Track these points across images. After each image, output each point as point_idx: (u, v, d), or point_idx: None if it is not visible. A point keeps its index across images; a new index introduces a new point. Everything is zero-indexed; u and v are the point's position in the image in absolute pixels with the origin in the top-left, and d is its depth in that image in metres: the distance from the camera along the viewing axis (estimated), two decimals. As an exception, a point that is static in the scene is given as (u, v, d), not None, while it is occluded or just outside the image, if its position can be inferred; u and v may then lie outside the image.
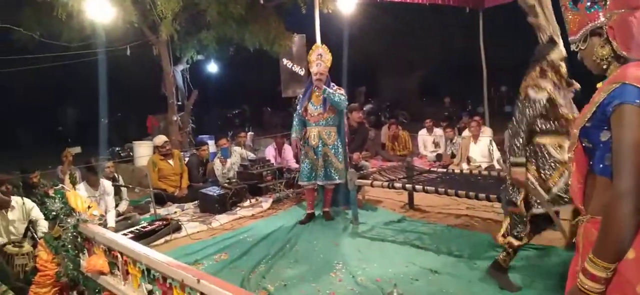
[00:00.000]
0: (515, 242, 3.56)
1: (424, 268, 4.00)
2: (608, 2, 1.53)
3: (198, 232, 5.41)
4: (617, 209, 1.40)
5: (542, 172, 3.44)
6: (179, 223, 5.50)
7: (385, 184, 5.10)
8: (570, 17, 1.66)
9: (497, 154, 7.53)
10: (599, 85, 3.67)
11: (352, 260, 4.26)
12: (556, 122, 3.42)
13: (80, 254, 3.00)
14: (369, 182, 5.26)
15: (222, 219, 5.79)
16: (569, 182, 3.34)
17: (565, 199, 3.42)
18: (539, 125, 3.42)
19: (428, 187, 4.72)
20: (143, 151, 8.43)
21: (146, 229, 5.19)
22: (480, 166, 7.34)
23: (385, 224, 5.26)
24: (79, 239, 2.98)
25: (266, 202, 6.37)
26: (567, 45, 1.94)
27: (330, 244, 4.75)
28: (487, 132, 7.97)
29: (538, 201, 3.45)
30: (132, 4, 7.45)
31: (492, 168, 7.04)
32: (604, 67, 1.58)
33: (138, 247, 2.38)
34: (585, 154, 1.59)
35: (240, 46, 9.58)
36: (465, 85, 14.36)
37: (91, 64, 9.37)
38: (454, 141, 8.42)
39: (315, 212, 5.60)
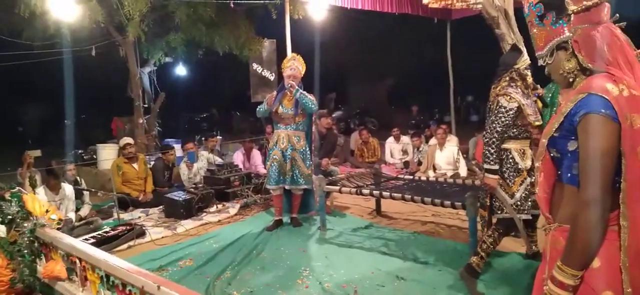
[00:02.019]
0: (488, 246, 3.65)
1: (390, 274, 4.02)
2: (572, 18, 1.58)
3: (162, 237, 5.30)
4: (584, 217, 1.44)
5: (507, 177, 3.55)
6: (143, 228, 5.36)
7: (353, 190, 5.12)
8: (536, 32, 1.70)
9: (462, 162, 7.66)
10: (541, 90, 3.78)
11: (319, 267, 4.25)
12: (521, 129, 3.54)
13: (37, 260, 2.89)
14: (337, 188, 5.27)
15: (187, 224, 5.68)
16: (530, 190, 3.48)
17: (526, 207, 3.53)
18: (508, 130, 3.54)
19: (395, 194, 4.76)
20: (107, 154, 8.21)
21: (109, 234, 5.05)
22: (446, 174, 7.46)
23: (352, 230, 5.27)
24: (36, 244, 2.87)
25: (233, 208, 6.28)
26: (532, 56, 1.99)
27: (297, 251, 4.73)
28: (453, 141, 8.11)
29: (503, 206, 3.56)
30: (99, 4, 7.27)
31: (458, 176, 7.16)
32: (571, 79, 1.63)
33: (97, 253, 2.31)
34: (553, 163, 1.63)
35: (210, 49, 9.47)
36: (432, 94, 14.61)
37: (55, 63, 9.09)
38: (420, 149, 8.54)
39: (283, 219, 5.56)
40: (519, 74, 3.57)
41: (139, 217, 6.05)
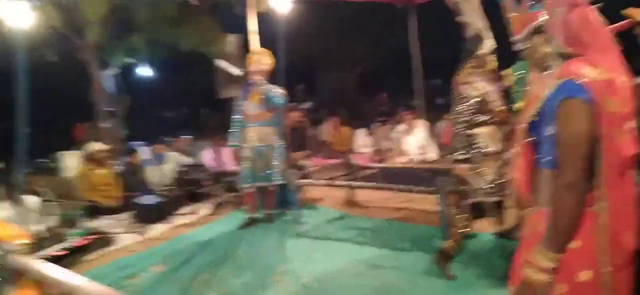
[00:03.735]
0: (461, 230, 3.70)
1: (368, 263, 4.04)
2: (548, 2, 1.58)
3: (133, 243, 5.18)
4: (563, 200, 1.45)
5: (476, 161, 3.60)
6: (113, 235, 5.24)
7: (327, 182, 5.11)
8: (513, 17, 1.70)
9: (431, 146, 7.73)
10: (506, 71, 3.86)
11: (296, 262, 4.23)
12: (488, 115, 3.56)
13: (7, 288, 2.76)
14: (310, 181, 5.25)
15: (158, 228, 5.57)
16: (501, 172, 3.54)
17: (497, 189, 3.58)
18: (474, 118, 3.56)
19: (368, 184, 4.77)
20: (72, 161, 7.96)
21: (77, 245, 4.90)
22: (415, 159, 7.52)
23: (327, 222, 5.27)
24: (5, 273, 2.73)
25: (205, 208, 6.20)
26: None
27: (273, 247, 4.69)
28: (421, 125, 8.17)
29: (474, 191, 3.60)
30: (56, 9, 7.02)
31: (427, 160, 7.23)
32: (548, 63, 1.63)
33: (74, 280, 2.21)
34: (531, 147, 1.64)
35: (175, 48, 9.27)
36: (400, 80, 14.68)
37: (9, 70, 8.73)
38: (390, 136, 8.58)
39: (257, 216, 5.51)
40: (481, 60, 3.60)
41: (108, 225, 5.88)
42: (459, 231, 3.72)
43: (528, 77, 3.89)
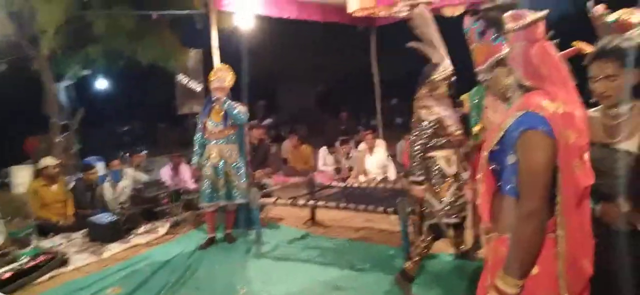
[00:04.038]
0: (421, 251, 3.79)
1: (328, 284, 4.05)
2: (510, 36, 1.65)
3: (88, 264, 5.00)
4: (524, 228, 1.51)
5: (434, 183, 3.69)
6: (66, 255, 5.03)
7: (289, 202, 5.09)
8: (476, 48, 1.76)
9: (391, 166, 7.85)
10: (464, 96, 4.02)
11: (256, 283, 4.19)
12: (444, 139, 3.68)
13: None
14: (272, 200, 5.22)
15: (114, 248, 5.39)
16: (458, 194, 3.64)
17: (454, 211, 3.69)
18: (431, 141, 3.67)
19: (330, 203, 4.79)
20: (22, 176, 7.64)
21: (28, 265, 4.67)
22: (375, 178, 7.61)
23: (288, 242, 5.25)
24: None
25: (163, 227, 6.03)
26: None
27: (233, 268, 4.63)
28: (381, 145, 8.29)
29: (432, 212, 3.69)
30: (8, 17, 6.75)
31: (386, 180, 7.33)
32: (509, 95, 1.70)
33: None
34: (493, 175, 1.70)
35: (132, 60, 9.06)
36: (360, 99, 14.88)
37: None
38: (350, 155, 8.65)
39: (217, 236, 5.42)
40: (435, 85, 3.72)
41: (61, 244, 5.64)
42: (419, 252, 3.79)
43: (484, 102, 4.08)
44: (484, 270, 1.78)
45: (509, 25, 1.64)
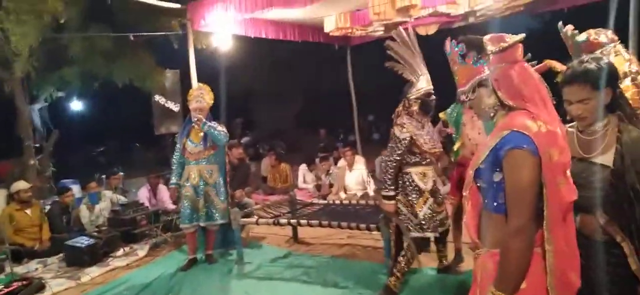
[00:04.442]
0: (402, 266, 3.85)
1: (313, 303, 4.05)
2: (491, 58, 1.72)
3: (66, 289, 4.89)
4: (513, 244, 1.56)
5: (410, 199, 3.79)
6: (42, 281, 4.92)
7: (271, 221, 5.09)
8: (458, 70, 1.83)
9: (371, 182, 7.92)
10: (442, 114, 4.13)
11: (240, 304, 4.17)
12: (419, 156, 3.78)
13: None
14: (254, 220, 5.20)
15: (92, 272, 5.28)
16: (436, 209, 3.71)
17: (430, 225, 3.75)
18: (406, 158, 3.78)
19: (312, 221, 4.80)
20: (-5, 202, 7.41)
21: (2, 293, 4.55)
22: (356, 194, 7.66)
23: (271, 261, 5.23)
24: None
25: (142, 250, 5.94)
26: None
27: (215, 289, 4.60)
28: (360, 161, 8.36)
29: (408, 227, 3.76)
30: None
31: (367, 196, 7.39)
32: (492, 114, 1.77)
33: None
34: (479, 193, 1.75)
35: (107, 81, 8.96)
36: (337, 116, 14.98)
37: None
38: (330, 171, 8.70)
39: (198, 257, 5.37)
40: (410, 103, 3.82)
41: (36, 269, 5.51)
42: (401, 267, 3.84)
43: (461, 120, 4.19)
44: (472, 286, 1.83)
45: (490, 47, 1.72)
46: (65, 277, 5.21)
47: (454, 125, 4.23)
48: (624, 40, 2.72)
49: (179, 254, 5.76)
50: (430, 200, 3.79)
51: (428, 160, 3.83)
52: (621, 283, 1.96)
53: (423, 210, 3.76)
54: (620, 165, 1.93)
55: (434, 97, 3.81)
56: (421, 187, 3.78)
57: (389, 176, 3.77)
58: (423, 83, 3.79)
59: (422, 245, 3.89)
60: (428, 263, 4.52)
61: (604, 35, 2.40)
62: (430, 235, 3.81)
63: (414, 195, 3.78)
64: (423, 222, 3.76)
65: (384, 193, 3.82)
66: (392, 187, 3.78)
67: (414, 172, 3.80)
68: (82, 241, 5.70)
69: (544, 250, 1.61)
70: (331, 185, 8.38)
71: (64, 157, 10.08)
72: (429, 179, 3.83)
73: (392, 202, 3.80)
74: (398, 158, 3.75)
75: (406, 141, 3.72)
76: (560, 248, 1.61)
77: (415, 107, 3.80)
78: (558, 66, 2.86)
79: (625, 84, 2.29)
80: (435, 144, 3.86)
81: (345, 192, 7.85)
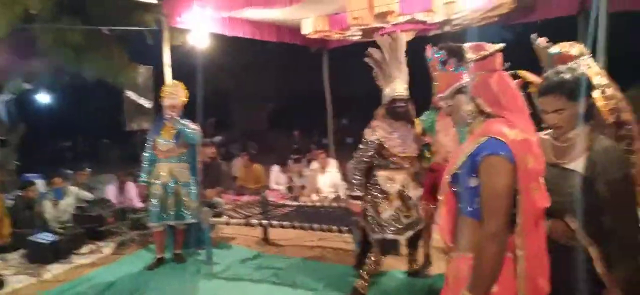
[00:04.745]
0: (369, 269, 3.87)
1: (282, 305, 4.02)
2: (471, 65, 1.74)
3: (26, 286, 4.74)
4: (487, 248, 1.58)
5: (376, 200, 3.84)
6: (1, 277, 4.76)
7: (242, 221, 5.04)
8: (438, 76, 1.84)
9: (343, 185, 7.93)
10: (416, 121, 4.15)
11: (208, 304, 4.10)
12: (388, 160, 3.82)
13: None
14: (224, 220, 5.14)
15: (55, 269, 5.14)
16: (405, 213, 3.73)
17: (394, 227, 3.77)
18: (375, 161, 3.84)
19: (284, 222, 4.77)
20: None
21: (-43, 289, 4.38)
22: (328, 197, 7.66)
23: (241, 262, 5.17)
24: None
25: (108, 247, 5.81)
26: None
27: (183, 289, 4.53)
28: (333, 164, 8.37)
29: (374, 229, 3.80)
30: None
31: (339, 199, 7.40)
32: (469, 121, 1.78)
33: None
34: (454, 197, 1.76)
35: (77, 75, 8.74)
36: (312, 119, 14.99)
37: None
38: (303, 173, 8.68)
39: (166, 256, 5.27)
40: (382, 108, 3.89)
41: (-3, 265, 5.34)
42: (368, 270, 3.86)
43: (436, 126, 4.23)
44: (444, 288, 1.84)
45: (470, 55, 1.74)
46: (27, 273, 5.05)
47: (428, 132, 4.27)
48: (593, 54, 2.79)
49: (146, 253, 5.65)
50: (396, 202, 3.81)
51: (397, 164, 3.85)
52: (587, 287, 2.01)
53: (386, 213, 3.80)
54: (590, 173, 1.98)
55: (400, 104, 3.80)
56: (386, 190, 3.82)
57: (357, 177, 3.84)
58: (390, 90, 3.83)
59: (389, 247, 3.90)
60: (398, 266, 4.55)
61: (576, 48, 2.46)
62: (392, 237, 3.81)
63: (379, 197, 3.83)
64: (385, 224, 3.80)
65: (350, 193, 3.89)
66: (359, 188, 3.84)
67: (381, 174, 3.86)
68: (46, 237, 5.54)
69: (516, 256, 1.63)
70: (303, 187, 8.36)
71: (30, 151, 9.78)
72: (397, 182, 3.85)
73: (358, 202, 3.85)
74: (367, 159, 3.81)
75: (374, 144, 3.79)
76: (531, 253, 1.63)
77: (382, 112, 3.87)
78: (530, 77, 2.92)
79: (594, 96, 2.34)
80: (406, 149, 3.87)
81: (318, 194, 7.84)
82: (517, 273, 1.63)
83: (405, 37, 3.87)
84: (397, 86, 3.81)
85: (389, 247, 3.91)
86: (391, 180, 3.84)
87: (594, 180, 1.97)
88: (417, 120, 4.41)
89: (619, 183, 1.96)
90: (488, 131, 1.66)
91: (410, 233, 3.92)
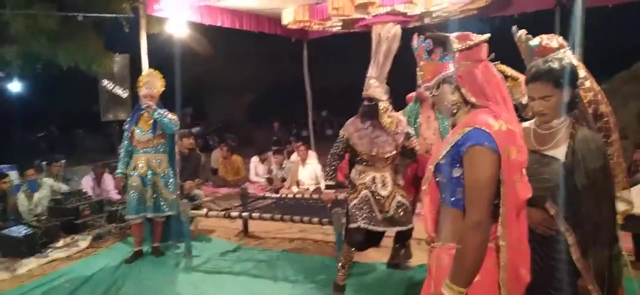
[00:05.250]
0: (343, 260, 3.91)
1: (263, 297, 4.00)
2: (457, 55, 1.74)
3: (0, 281, 4.61)
4: (470, 238, 1.59)
5: (349, 192, 3.93)
6: (-27, 273, 4.63)
7: (221, 214, 4.99)
8: (424, 65, 1.83)
9: (323, 176, 7.93)
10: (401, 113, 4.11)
11: (187, 298, 4.06)
12: (358, 157, 3.89)
13: None
14: (203, 212, 5.07)
15: (30, 263, 5.01)
16: (382, 206, 3.73)
17: (359, 216, 3.77)
18: (352, 155, 3.96)
19: (264, 215, 4.74)
20: None
21: None
22: (308, 189, 7.65)
23: (220, 254, 5.13)
24: None
25: (84, 241, 5.67)
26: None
27: (162, 283, 4.46)
28: (313, 156, 8.36)
29: (346, 218, 3.89)
30: None
31: (319, 190, 7.39)
32: (454, 111, 1.79)
33: None
34: (437, 187, 1.77)
35: (50, 63, 8.51)
36: (291, 110, 14.94)
37: None
38: (283, 165, 8.65)
39: (144, 249, 5.19)
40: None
41: (-32, 259, 5.19)
42: (343, 261, 3.88)
43: (419, 119, 4.25)
44: (427, 278, 1.85)
45: (456, 45, 1.74)
46: (0, 268, 4.92)
47: (411, 125, 4.29)
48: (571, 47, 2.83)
49: (123, 246, 5.56)
50: (363, 193, 3.82)
51: (369, 162, 3.85)
52: (563, 276, 2.05)
53: (352, 203, 3.84)
54: (570, 161, 2.03)
55: (368, 104, 3.77)
56: (355, 182, 3.89)
57: (330, 168, 4.01)
58: (364, 88, 3.81)
59: (368, 239, 3.90)
60: (379, 258, 4.57)
61: (555, 40, 2.49)
62: (354, 225, 3.78)
63: (351, 189, 3.92)
64: (351, 214, 3.83)
65: (325, 182, 4.11)
66: (332, 178, 4.01)
67: (355, 168, 3.96)
68: (19, 230, 5.41)
69: (497, 246, 1.64)
70: (283, 180, 8.34)
71: (1, 141, 9.53)
72: (367, 175, 3.87)
73: (331, 191, 4.02)
74: (339, 153, 3.95)
75: (342, 140, 3.91)
76: (513, 243, 1.65)
77: (359, 110, 3.92)
78: (508, 71, 2.95)
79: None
80: (374, 148, 3.81)
81: (298, 186, 7.82)
82: (499, 263, 1.64)
83: (398, 32, 3.77)
84: (367, 85, 3.78)
85: (369, 239, 3.90)
86: (362, 173, 3.89)
87: (574, 168, 2.02)
88: (399, 113, 4.42)
89: (597, 172, 2.01)
90: (473, 122, 1.66)
91: (391, 229, 3.89)
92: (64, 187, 6.94)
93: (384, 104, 3.73)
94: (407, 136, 3.87)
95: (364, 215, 3.78)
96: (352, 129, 3.87)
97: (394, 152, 3.85)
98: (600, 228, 2.02)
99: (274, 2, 6.54)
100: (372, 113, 3.77)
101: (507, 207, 1.63)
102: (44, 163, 7.70)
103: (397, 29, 3.75)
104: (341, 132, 3.93)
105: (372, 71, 3.78)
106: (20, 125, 15.25)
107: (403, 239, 4.16)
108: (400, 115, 3.95)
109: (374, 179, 3.84)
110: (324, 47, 9.96)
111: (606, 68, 7.26)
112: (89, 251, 5.47)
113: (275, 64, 16.46)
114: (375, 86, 3.74)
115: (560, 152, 2.07)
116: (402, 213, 3.85)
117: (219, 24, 7.08)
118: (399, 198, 3.87)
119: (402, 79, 4.20)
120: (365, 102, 3.79)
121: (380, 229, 3.83)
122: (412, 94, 4.49)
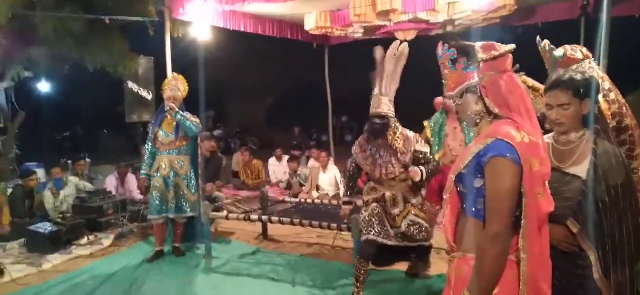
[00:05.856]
0: (356, 271, 3.88)
1: (280, 301, 4.03)
2: (481, 65, 1.74)
3: (26, 275, 4.74)
4: (490, 250, 1.58)
5: (363, 206, 3.98)
6: (1, 266, 4.75)
7: (242, 216, 5.04)
8: (448, 74, 1.84)
9: (342, 183, 7.95)
10: (426, 123, 4.13)
11: (206, 299, 4.11)
12: (368, 174, 3.95)
13: None
14: (224, 215, 5.13)
15: (55, 259, 5.13)
16: (392, 221, 3.71)
17: (370, 229, 3.77)
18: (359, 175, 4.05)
19: (284, 219, 4.78)
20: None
21: (-42, 277, 4.38)
22: (328, 194, 7.68)
23: (239, 257, 5.19)
24: None
25: (107, 239, 5.81)
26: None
27: (181, 283, 4.52)
28: (333, 162, 8.39)
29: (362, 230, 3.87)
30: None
31: (338, 197, 7.41)
32: (477, 121, 1.79)
33: None
34: (458, 197, 1.77)
35: (79, 64, 8.71)
36: (311, 115, 14.97)
37: None
38: (299, 172, 8.69)
39: (165, 249, 5.28)
40: None
41: (-4, 254, 5.34)
42: (356, 275, 3.86)
43: (444, 130, 4.24)
44: (446, 288, 1.85)
45: (481, 55, 1.74)
46: (26, 263, 5.05)
47: (436, 135, 4.28)
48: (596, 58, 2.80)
49: (145, 246, 5.66)
50: (372, 206, 3.82)
51: (375, 179, 3.87)
52: (585, 291, 2.02)
53: (363, 215, 3.88)
54: (593, 177, 1.99)
55: (376, 122, 3.62)
56: (365, 198, 3.96)
57: (347, 184, 4.15)
58: (371, 105, 3.69)
59: (383, 254, 3.89)
60: (398, 266, 4.55)
61: (580, 51, 2.47)
62: (366, 237, 3.75)
63: (363, 205, 3.98)
64: (362, 225, 3.85)
65: (343, 198, 4.21)
66: (348, 194, 4.12)
67: (367, 184, 4.01)
68: (45, 227, 5.54)
69: (519, 258, 1.64)
70: (301, 185, 8.38)
71: (29, 140, 9.77)
72: (377, 192, 3.89)
73: (347, 207, 4.10)
74: (352, 174, 4.04)
75: (353, 160, 3.96)
76: (534, 257, 1.64)
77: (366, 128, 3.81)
78: (529, 81, 2.93)
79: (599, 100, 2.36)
80: (377, 170, 3.76)
81: (318, 192, 7.85)
82: (520, 276, 1.64)
83: (406, 50, 3.69)
84: (377, 102, 3.65)
85: (368, 251, 3.80)
86: (372, 190, 3.92)
87: (596, 185, 1.98)
88: (426, 123, 4.41)
89: (618, 189, 1.97)
90: (495, 132, 1.66)
91: (409, 244, 3.83)
92: (89, 186, 7.10)
93: (394, 122, 3.66)
94: (417, 155, 3.74)
95: (375, 228, 3.76)
96: (358, 150, 3.88)
97: (400, 172, 3.74)
98: (623, 246, 1.99)
99: (297, 8, 6.59)
100: (382, 131, 3.63)
101: (528, 220, 1.62)
102: (70, 162, 7.88)
103: (404, 47, 3.66)
104: (353, 150, 3.94)
105: (381, 88, 3.65)
106: (47, 124, 15.62)
107: (422, 254, 4.13)
108: (409, 133, 3.79)
109: (384, 196, 3.84)
110: (345, 53, 9.97)
111: (632, 80, 7.13)
112: (111, 249, 5.59)
113: (296, 69, 16.51)
114: (386, 103, 3.63)
115: (581, 170, 2.03)
116: (415, 231, 3.78)
117: (242, 29, 7.17)
118: (412, 217, 3.79)
119: (426, 88, 4.20)
120: (376, 120, 3.62)
121: (392, 243, 3.76)
122: (440, 99, 4.47)
